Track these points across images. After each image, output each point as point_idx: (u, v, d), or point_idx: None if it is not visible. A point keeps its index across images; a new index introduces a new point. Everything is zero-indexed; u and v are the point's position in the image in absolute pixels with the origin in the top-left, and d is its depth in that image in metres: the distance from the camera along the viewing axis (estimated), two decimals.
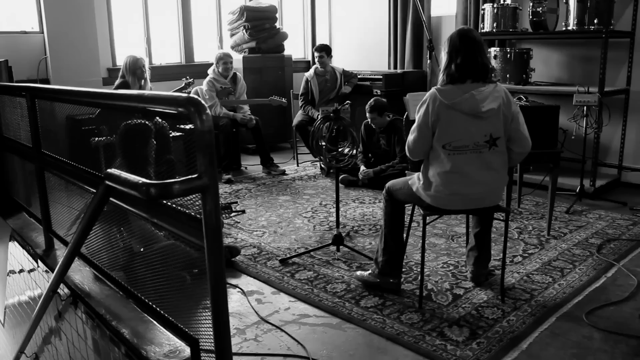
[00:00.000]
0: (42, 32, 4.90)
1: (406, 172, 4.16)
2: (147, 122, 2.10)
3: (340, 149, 3.00)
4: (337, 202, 3.11)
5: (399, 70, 5.82)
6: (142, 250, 2.13)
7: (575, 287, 2.67)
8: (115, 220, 2.29)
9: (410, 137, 2.42)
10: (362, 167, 4.58)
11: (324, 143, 3.01)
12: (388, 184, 2.64)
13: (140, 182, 1.45)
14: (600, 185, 4.24)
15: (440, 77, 2.39)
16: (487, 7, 4.70)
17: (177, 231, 1.67)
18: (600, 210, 3.87)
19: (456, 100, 2.29)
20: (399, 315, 2.41)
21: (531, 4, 4.46)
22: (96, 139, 2.61)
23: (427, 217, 2.44)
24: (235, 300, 2.63)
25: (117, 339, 2.12)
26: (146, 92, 1.70)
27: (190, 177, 1.44)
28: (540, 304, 2.50)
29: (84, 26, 4.93)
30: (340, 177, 4.69)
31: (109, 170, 1.62)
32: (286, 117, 6.01)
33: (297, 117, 5.41)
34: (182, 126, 1.80)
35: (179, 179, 1.43)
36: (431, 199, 2.39)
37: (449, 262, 2.99)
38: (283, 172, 5.11)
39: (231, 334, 2.33)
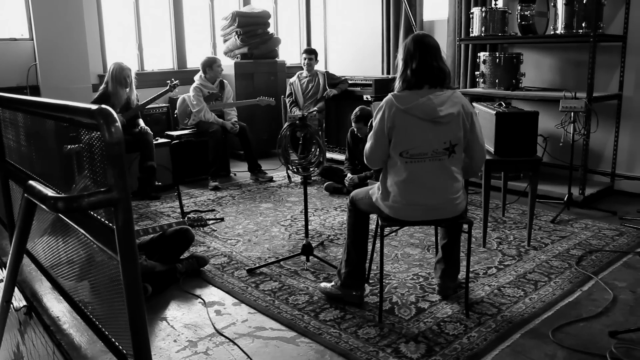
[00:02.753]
0: (32, 39, 4.93)
1: (368, 181, 4.08)
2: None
3: (308, 156, 2.94)
4: (306, 210, 3.05)
5: (390, 76, 5.74)
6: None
7: (546, 301, 2.57)
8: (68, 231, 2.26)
9: (367, 144, 2.35)
10: (349, 174, 4.51)
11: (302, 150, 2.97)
12: (352, 194, 2.58)
13: (49, 195, 1.41)
14: (590, 194, 4.11)
15: (397, 83, 2.32)
16: (476, 11, 4.60)
17: (100, 244, 1.63)
18: (587, 220, 3.74)
19: (411, 105, 2.22)
20: (356, 330, 2.33)
21: (519, 8, 4.36)
22: (69, 146, 2.58)
23: (396, 228, 2.37)
24: (194, 312, 2.58)
25: (59, 352, 2.08)
26: (70, 103, 1.66)
27: (99, 190, 1.40)
28: (507, 320, 2.40)
29: (74, 33, 4.94)
30: (325, 185, 4.65)
31: (29, 182, 1.59)
32: (279, 123, 5.97)
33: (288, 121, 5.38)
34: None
35: (87, 193, 1.39)
36: (389, 209, 2.32)
37: (420, 273, 2.91)
38: (270, 179, 5.06)
39: (183, 346, 2.29)
